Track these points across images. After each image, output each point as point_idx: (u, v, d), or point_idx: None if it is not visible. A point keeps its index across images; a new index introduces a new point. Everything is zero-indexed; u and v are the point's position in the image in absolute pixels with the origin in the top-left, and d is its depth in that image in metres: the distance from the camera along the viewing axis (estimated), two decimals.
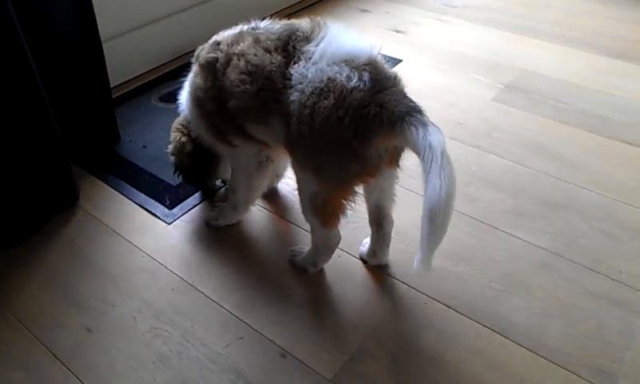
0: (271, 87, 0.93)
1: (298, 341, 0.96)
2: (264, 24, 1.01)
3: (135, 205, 1.26)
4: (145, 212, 1.25)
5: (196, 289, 1.06)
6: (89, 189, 1.31)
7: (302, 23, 0.97)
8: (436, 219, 0.78)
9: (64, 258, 1.14)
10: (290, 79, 0.91)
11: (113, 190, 1.31)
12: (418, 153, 0.82)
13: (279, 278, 1.08)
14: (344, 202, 0.95)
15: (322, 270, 1.09)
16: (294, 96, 0.90)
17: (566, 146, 1.42)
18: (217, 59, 1.00)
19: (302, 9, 2.11)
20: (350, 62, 0.88)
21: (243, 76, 0.96)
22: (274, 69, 0.93)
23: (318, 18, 0.98)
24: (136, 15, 1.64)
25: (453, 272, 1.08)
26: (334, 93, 0.86)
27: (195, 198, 1.28)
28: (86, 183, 1.32)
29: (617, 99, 1.60)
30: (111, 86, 1.60)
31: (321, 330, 0.98)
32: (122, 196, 1.29)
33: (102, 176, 1.34)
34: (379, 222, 1.05)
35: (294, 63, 0.92)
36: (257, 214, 1.23)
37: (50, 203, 1.22)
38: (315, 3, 2.17)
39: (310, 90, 0.88)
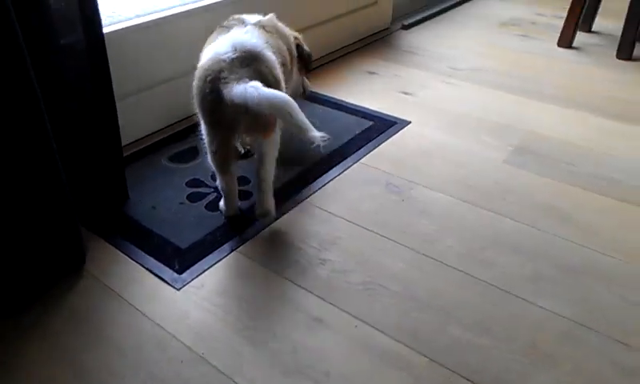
0: None
1: None
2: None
3: (144, 269, 1.22)
4: (153, 276, 1.21)
5: (206, 361, 1.01)
6: (95, 251, 1.27)
7: (264, 20, 1.39)
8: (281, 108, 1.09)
9: (69, 326, 1.09)
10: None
11: (120, 253, 1.27)
12: (240, 100, 1.09)
13: (294, 351, 1.03)
14: (228, 152, 1.25)
15: (339, 341, 1.04)
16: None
17: (581, 209, 1.40)
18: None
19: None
20: (238, 47, 1.19)
21: None
22: None
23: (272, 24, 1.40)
24: (149, 74, 1.65)
25: (475, 344, 1.04)
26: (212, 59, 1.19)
27: (205, 261, 1.24)
28: (93, 245, 1.29)
29: (624, 161, 1.60)
30: (124, 143, 1.60)
31: None
32: (130, 259, 1.25)
33: (110, 238, 1.31)
34: (258, 169, 1.28)
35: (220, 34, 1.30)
36: (272, 282, 1.19)
37: (56, 267, 1.18)
38: (321, 66, 2.20)
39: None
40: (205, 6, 1.75)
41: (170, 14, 1.67)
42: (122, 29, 1.54)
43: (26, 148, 1.05)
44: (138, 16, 1.63)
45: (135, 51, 1.60)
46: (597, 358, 1.00)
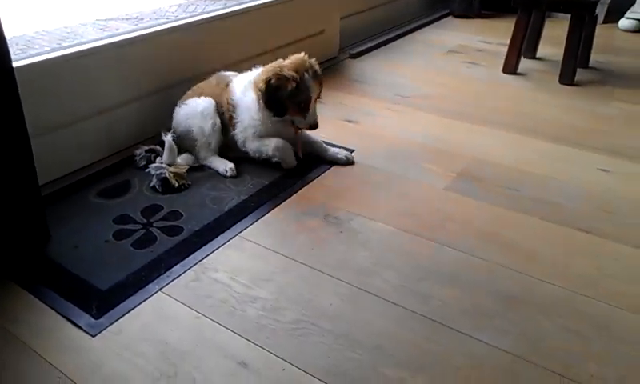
0: None
1: None
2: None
3: (58, 315, 1.13)
4: (68, 322, 1.11)
5: None
6: (8, 299, 1.16)
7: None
8: None
9: None
10: None
11: (35, 299, 1.17)
12: None
13: None
14: None
15: None
16: None
17: (521, 235, 1.38)
18: None
19: None
20: None
21: None
22: None
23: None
24: (73, 108, 1.57)
25: None
26: None
27: (127, 303, 1.15)
28: (6, 292, 1.18)
29: (566, 185, 1.59)
30: (47, 180, 1.51)
31: None
32: (45, 305, 1.15)
33: (24, 282, 1.21)
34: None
35: None
36: (197, 324, 1.11)
37: None
38: None
39: None
40: (132, 37, 1.69)
41: (99, 45, 1.61)
42: (42, 60, 1.47)
43: None
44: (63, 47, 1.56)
45: (60, 84, 1.52)
46: None
